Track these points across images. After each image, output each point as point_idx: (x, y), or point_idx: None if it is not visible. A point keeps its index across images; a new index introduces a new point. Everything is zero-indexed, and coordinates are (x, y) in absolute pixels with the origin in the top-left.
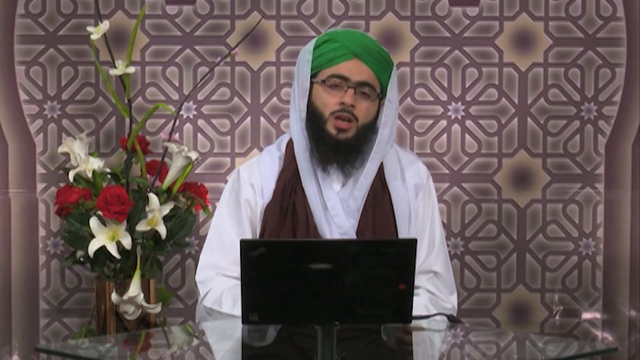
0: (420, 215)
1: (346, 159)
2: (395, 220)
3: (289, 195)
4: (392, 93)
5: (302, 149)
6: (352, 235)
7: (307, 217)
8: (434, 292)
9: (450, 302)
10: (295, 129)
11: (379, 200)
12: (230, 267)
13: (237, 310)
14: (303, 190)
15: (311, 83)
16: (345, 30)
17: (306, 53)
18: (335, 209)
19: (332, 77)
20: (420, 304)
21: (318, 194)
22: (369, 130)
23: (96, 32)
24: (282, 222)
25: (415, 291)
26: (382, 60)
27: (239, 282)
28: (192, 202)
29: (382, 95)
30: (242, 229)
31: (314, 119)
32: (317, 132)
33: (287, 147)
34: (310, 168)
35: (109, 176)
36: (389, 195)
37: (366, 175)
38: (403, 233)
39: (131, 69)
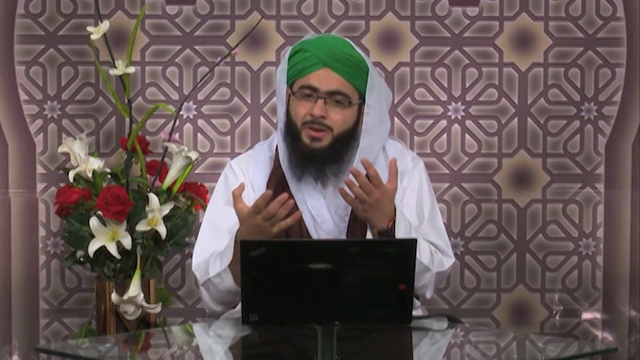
0: (408, 195)
1: (321, 168)
2: None
3: None
4: (372, 98)
5: (285, 157)
6: (342, 237)
7: (300, 218)
8: (428, 247)
9: (446, 263)
10: (280, 135)
11: None
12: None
13: (225, 263)
14: (293, 195)
15: (288, 93)
16: (317, 38)
17: (283, 62)
18: (321, 216)
19: (302, 87)
20: (424, 242)
21: (305, 201)
22: (349, 138)
23: (96, 32)
24: None
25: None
26: (353, 66)
27: (222, 248)
28: (192, 202)
29: (363, 101)
30: (234, 216)
31: (290, 129)
32: (293, 141)
33: (277, 148)
34: (297, 174)
35: (109, 176)
36: None
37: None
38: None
39: (131, 69)
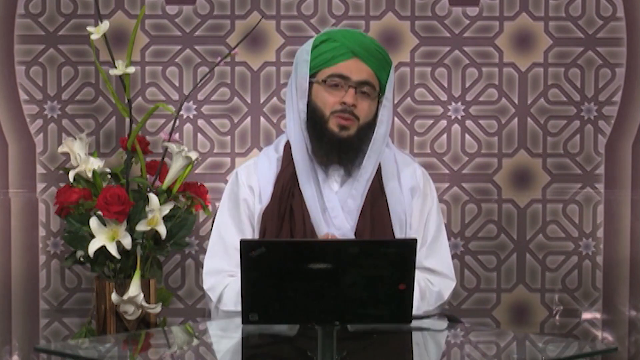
0: (416, 215)
1: (348, 157)
2: (391, 222)
3: (286, 199)
4: (390, 92)
5: (301, 150)
6: (351, 236)
7: (304, 220)
8: (421, 284)
9: (446, 292)
10: (294, 130)
11: (377, 201)
12: (235, 269)
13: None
14: (301, 193)
15: (310, 83)
16: (344, 29)
17: (304, 53)
18: (335, 210)
19: (332, 76)
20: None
21: (317, 196)
22: (369, 129)
23: (96, 32)
24: (280, 225)
25: None
26: (381, 59)
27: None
28: (192, 202)
29: (381, 94)
30: (243, 232)
31: (314, 119)
32: (318, 132)
33: (284, 148)
34: (309, 169)
35: (109, 176)
36: (386, 196)
37: (363, 174)
38: (398, 235)
39: (131, 69)
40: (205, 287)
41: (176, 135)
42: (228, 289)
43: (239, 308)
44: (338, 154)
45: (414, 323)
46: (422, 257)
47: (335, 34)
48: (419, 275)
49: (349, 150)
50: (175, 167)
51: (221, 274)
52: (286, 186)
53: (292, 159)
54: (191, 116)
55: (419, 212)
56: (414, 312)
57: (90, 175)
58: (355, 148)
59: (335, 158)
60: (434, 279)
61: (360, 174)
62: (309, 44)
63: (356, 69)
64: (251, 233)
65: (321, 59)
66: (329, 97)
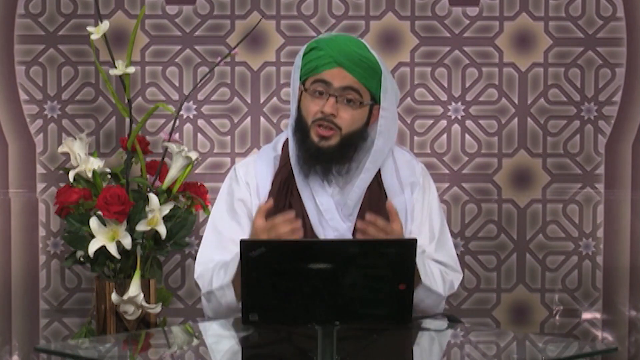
0: (418, 210)
1: (328, 167)
2: None
3: (284, 196)
4: (387, 100)
5: (293, 153)
6: (348, 237)
7: (303, 217)
8: (440, 269)
9: (456, 283)
10: (290, 131)
11: (375, 201)
12: (226, 257)
13: (229, 276)
14: (299, 191)
15: (301, 90)
16: (332, 37)
17: (298, 58)
18: (329, 213)
19: (315, 82)
20: (435, 268)
21: (312, 197)
22: (357, 138)
23: (96, 32)
24: None
25: (428, 263)
26: (367, 67)
27: (227, 259)
28: (192, 202)
29: (375, 102)
30: (238, 226)
31: (300, 125)
32: (302, 138)
33: (283, 147)
34: (304, 171)
35: (109, 176)
36: (385, 195)
37: (359, 185)
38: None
39: (131, 69)
40: (195, 276)
41: (176, 135)
42: (213, 268)
43: (208, 288)
44: (318, 162)
45: (414, 323)
46: (432, 251)
47: (322, 42)
48: (433, 264)
49: (330, 160)
50: (175, 167)
51: (212, 263)
52: (284, 184)
53: (289, 157)
54: (191, 116)
55: (421, 205)
56: (440, 292)
57: (90, 175)
58: (338, 158)
59: (317, 165)
60: (446, 270)
61: (357, 184)
62: (303, 50)
63: (339, 76)
64: (246, 229)
65: (308, 67)
66: (312, 106)
